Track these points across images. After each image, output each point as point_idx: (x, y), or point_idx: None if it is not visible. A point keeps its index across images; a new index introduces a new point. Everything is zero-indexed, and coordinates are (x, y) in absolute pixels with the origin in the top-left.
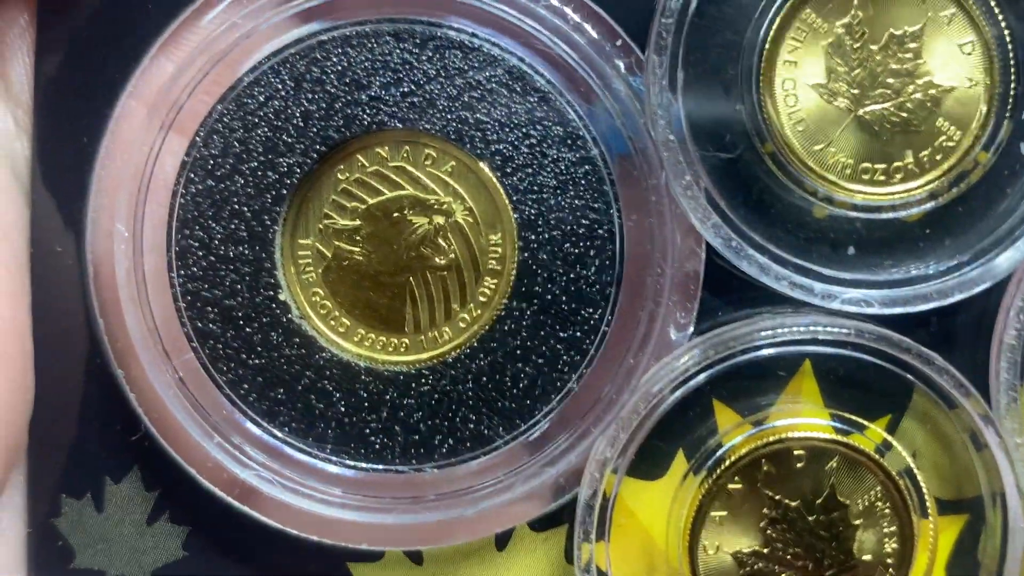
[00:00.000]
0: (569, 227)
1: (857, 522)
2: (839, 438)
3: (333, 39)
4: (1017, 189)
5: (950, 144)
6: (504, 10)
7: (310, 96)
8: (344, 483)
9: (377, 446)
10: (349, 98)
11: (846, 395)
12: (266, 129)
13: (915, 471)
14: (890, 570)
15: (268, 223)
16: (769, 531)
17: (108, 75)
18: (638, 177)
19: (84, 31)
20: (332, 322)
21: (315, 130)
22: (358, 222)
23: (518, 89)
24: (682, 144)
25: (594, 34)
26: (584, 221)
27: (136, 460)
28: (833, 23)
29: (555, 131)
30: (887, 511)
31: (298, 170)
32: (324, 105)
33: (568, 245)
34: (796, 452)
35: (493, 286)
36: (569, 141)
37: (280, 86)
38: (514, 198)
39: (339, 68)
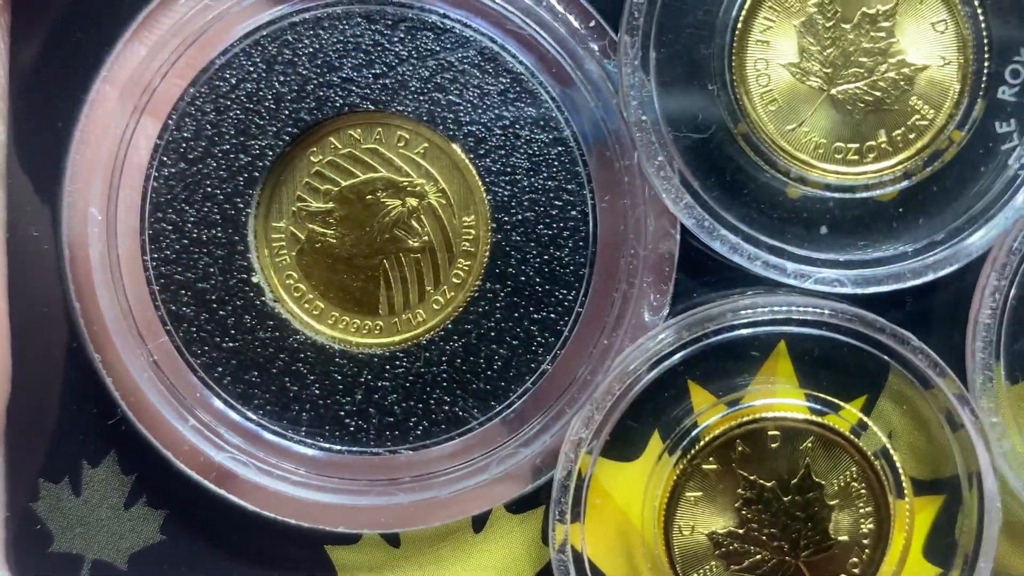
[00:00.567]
0: (542, 208)
1: (833, 503)
2: (814, 418)
3: (304, 20)
4: (991, 168)
5: (923, 123)
6: None
7: (282, 78)
8: (319, 465)
9: (352, 428)
10: (321, 80)
11: (821, 375)
12: (238, 112)
13: (891, 451)
14: (866, 551)
15: (241, 206)
16: (744, 511)
17: (83, 59)
18: (611, 158)
19: (59, 15)
20: (306, 305)
21: (287, 112)
22: (331, 204)
23: (491, 70)
24: (655, 125)
25: (567, 15)
26: (557, 202)
27: (113, 444)
28: (806, 2)
29: (528, 112)
30: (863, 491)
31: (271, 152)
32: (296, 87)
33: (541, 227)
34: (771, 432)
35: (467, 268)
36: (542, 123)
37: (252, 68)
38: (487, 180)
39: (311, 50)
